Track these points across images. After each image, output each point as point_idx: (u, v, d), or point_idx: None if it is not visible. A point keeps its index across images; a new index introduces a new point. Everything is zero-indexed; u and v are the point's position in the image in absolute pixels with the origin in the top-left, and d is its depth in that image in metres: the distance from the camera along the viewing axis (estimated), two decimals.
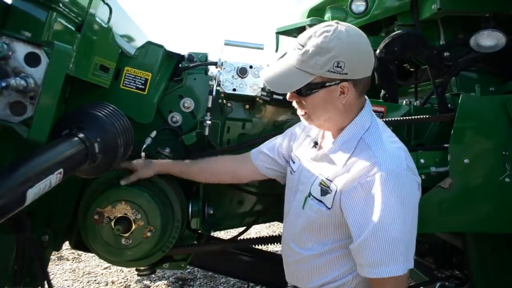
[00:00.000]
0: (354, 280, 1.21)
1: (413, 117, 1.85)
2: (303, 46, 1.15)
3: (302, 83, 1.15)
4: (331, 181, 1.19)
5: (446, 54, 1.94)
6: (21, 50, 1.02)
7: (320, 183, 1.22)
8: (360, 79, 1.18)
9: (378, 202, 1.07)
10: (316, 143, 1.36)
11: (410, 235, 1.10)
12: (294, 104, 1.26)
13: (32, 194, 0.92)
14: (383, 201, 1.07)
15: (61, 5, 1.15)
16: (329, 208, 1.19)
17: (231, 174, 1.63)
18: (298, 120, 1.36)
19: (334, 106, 1.19)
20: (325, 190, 1.20)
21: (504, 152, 1.67)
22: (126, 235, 1.51)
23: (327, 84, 1.15)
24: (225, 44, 1.77)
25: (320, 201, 1.21)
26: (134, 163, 1.58)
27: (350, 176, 1.14)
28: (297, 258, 1.31)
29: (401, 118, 1.81)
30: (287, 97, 1.25)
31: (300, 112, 1.26)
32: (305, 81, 1.15)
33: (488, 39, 1.86)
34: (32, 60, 1.02)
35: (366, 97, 1.29)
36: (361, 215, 1.11)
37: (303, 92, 1.18)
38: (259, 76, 1.75)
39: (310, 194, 1.25)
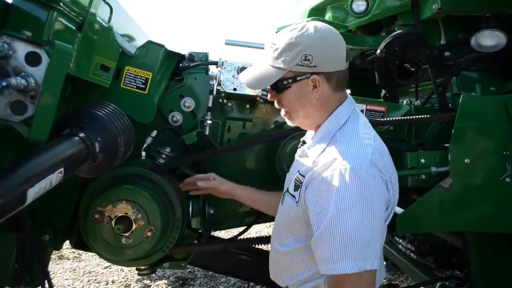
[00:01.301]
0: (326, 283, 1.19)
1: (413, 117, 1.85)
2: (275, 44, 1.20)
3: (274, 79, 1.19)
4: (304, 176, 1.20)
5: (446, 53, 1.94)
6: (21, 49, 1.02)
7: (295, 179, 1.24)
8: (332, 72, 1.19)
9: (335, 198, 1.06)
10: (304, 142, 1.38)
11: (369, 234, 1.06)
12: (276, 104, 1.29)
13: (33, 193, 0.92)
14: (340, 197, 1.06)
15: (61, 4, 1.15)
16: (297, 203, 1.20)
17: None
18: None
19: (309, 101, 1.21)
20: (297, 185, 1.22)
21: (504, 152, 1.67)
22: (127, 234, 1.51)
23: (298, 78, 1.18)
24: (226, 43, 1.77)
25: (293, 196, 1.23)
26: (213, 177, 1.65)
27: (315, 171, 1.15)
28: (277, 254, 1.33)
29: (402, 118, 1.81)
30: (268, 97, 1.30)
31: (282, 112, 1.29)
32: (276, 77, 1.18)
33: (489, 39, 1.86)
34: (32, 59, 1.02)
35: (348, 94, 1.29)
36: (320, 210, 1.10)
37: (278, 89, 1.22)
38: None
39: (287, 190, 1.29)
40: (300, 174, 1.23)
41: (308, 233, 1.21)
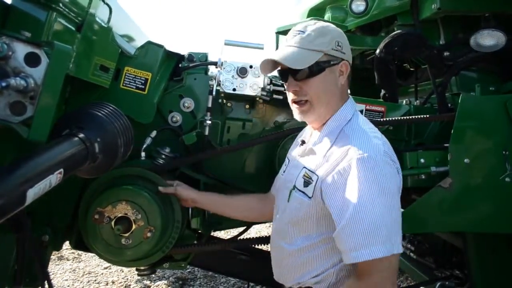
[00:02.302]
0: (335, 274, 1.21)
1: (413, 116, 1.86)
2: (303, 32, 1.23)
3: (313, 60, 1.21)
4: (313, 172, 1.22)
5: (446, 53, 1.94)
6: (21, 50, 1.02)
7: (304, 175, 1.26)
8: (350, 63, 1.28)
9: (356, 187, 1.09)
10: (303, 142, 1.39)
11: (391, 218, 1.10)
12: (295, 94, 1.26)
13: (32, 194, 0.92)
14: (361, 185, 1.09)
15: (61, 5, 1.15)
16: (310, 198, 1.21)
17: (258, 212, 1.63)
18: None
19: (335, 87, 1.26)
20: (307, 181, 1.23)
21: (504, 152, 1.67)
22: (126, 235, 1.51)
23: (332, 62, 1.24)
24: (225, 44, 1.77)
25: (303, 192, 1.24)
26: (176, 181, 1.62)
27: (329, 165, 1.17)
28: (284, 254, 1.32)
29: (401, 117, 1.81)
30: (288, 85, 1.26)
31: (302, 104, 1.25)
32: (315, 58, 1.21)
33: (488, 39, 1.86)
34: (32, 60, 1.02)
35: (349, 94, 1.34)
36: (341, 202, 1.12)
37: (314, 70, 1.22)
38: (259, 76, 1.75)
39: (294, 187, 1.29)
40: (309, 170, 1.24)
41: (318, 229, 1.22)
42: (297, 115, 1.29)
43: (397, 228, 1.12)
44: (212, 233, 2.03)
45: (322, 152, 1.23)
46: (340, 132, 1.23)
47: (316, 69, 1.22)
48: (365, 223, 1.07)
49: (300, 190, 1.26)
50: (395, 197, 1.14)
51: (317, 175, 1.20)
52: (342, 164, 1.13)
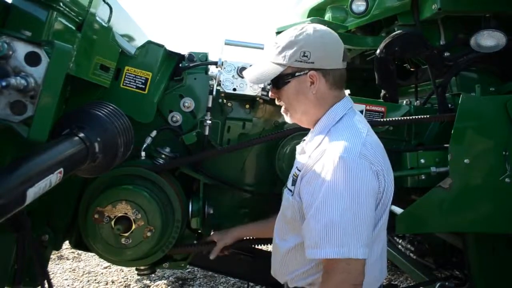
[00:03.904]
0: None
1: (413, 117, 1.86)
2: (277, 43, 1.27)
3: (274, 74, 1.25)
4: (300, 171, 1.25)
5: (446, 54, 1.95)
6: (21, 49, 1.01)
7: (293, 174, 1.29)
8: (329, 70, 1.24)
9: (324, 185, 1.12)
10: (303, 140, 1.41)
11: (354, 222, 1.09)
12: (276, 101, 1.34)
13: (32, 193, 0.92)
14: (328, 185, 1.11)
15: (61, 4, 1.15)
16: (292, 195, 1.26)
17: None
18: None
19: (307, 97, 1.25)
20: (294, 180, 1.27)
21: (504, 152, 1.67)
22: (126, 234, 1.51)
23: (297, 74, 1.24)
24: (226, 43, 1.77)
25: (290, 190, 1.29)
26: (212, 237, 1.75)
27: (308, 164, 1.21)
28: (277, 250, 1.36)
29: (401, 118, 1.81)
30: (269, 95, 1.36)
31: (282, 109, 1.33)
32: (276, 72, 1.25)
33: (489, 39, 1.86)
34: (32, 59, 1.02)
35: (346, 93, 1.33)
36: (310, 198, 1.16)
37: (278, 84, 1.27)
38: None
39: (286, 185, 1.34)
40: (297, 169, 1.28)
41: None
42: (286, 118, 1.35)
43: (360, 233, 1.09)
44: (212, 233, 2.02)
45: (309, 152, 1.25)
46: (327, 132, 1.24)
47: (280, 82, 1.26)
48: (323, 222, 1.10)
49: (288, 189, 1.31)
50: (364, 200, 1.11)
51: (300, 174, 1.24)
52: (317, 164, 1.17)
